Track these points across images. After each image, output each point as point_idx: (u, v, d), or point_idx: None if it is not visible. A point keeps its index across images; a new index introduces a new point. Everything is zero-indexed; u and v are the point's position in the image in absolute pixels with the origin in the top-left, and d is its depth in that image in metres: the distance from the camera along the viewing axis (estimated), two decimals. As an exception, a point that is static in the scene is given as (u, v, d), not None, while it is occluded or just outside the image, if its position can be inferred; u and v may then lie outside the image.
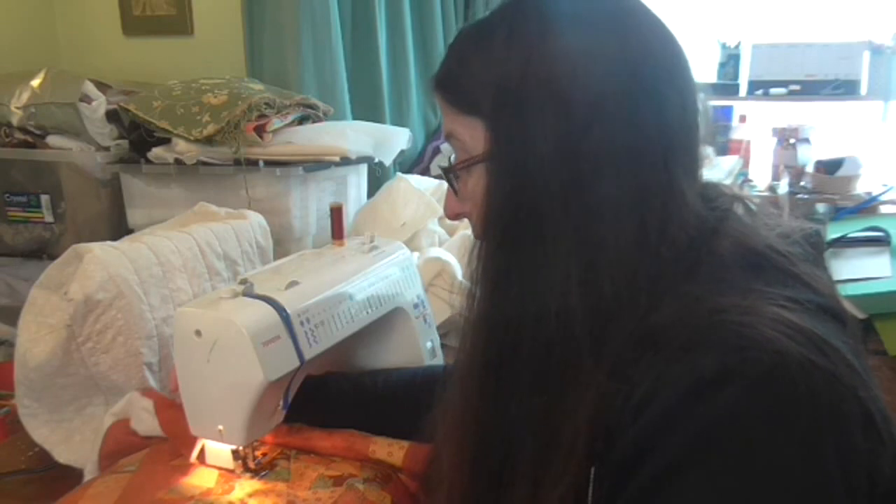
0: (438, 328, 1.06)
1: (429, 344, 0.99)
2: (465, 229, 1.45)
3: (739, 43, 2.29)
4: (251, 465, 0.78)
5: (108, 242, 0.94)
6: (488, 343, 0.57)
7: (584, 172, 0.53)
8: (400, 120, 1.90)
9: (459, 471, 0.59)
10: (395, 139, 1.53)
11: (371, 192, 1.59)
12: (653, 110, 0.54)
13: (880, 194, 1.98)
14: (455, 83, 0.60)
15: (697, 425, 0.44)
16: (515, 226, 0.55)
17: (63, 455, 0.90)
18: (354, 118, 1.72)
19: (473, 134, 0.58)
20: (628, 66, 0.53)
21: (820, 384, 0.44)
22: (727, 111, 2.35)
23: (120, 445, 0.86)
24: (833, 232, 1.75)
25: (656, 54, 0.55)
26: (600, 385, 0.50)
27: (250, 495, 0.74)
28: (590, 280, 0.52)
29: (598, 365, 0.51)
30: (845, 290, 1.48)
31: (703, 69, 2.32)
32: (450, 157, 0.64)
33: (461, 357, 0.62)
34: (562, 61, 0.54)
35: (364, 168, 1.55)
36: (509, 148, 0.55)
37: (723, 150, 2.31)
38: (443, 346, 1.05)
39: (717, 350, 0.45)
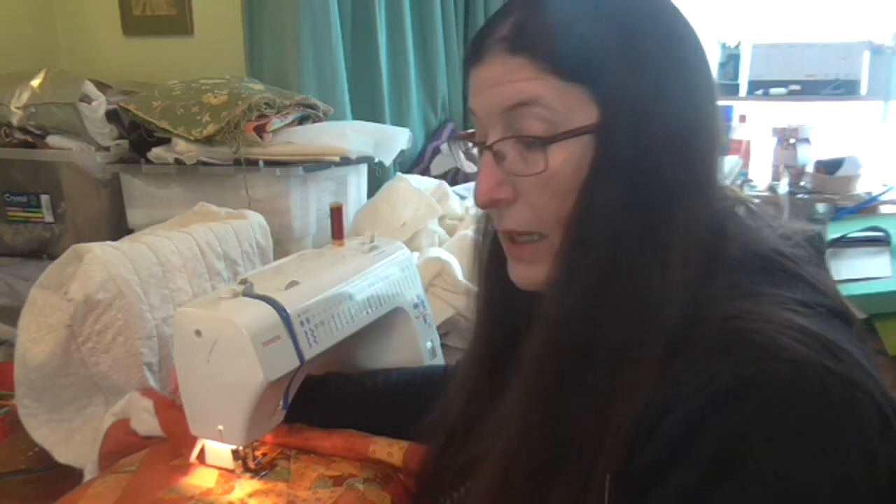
0: (438, 328, 1.06)
1: (429, 344, 0.99)
2: (464, 229, 1.45)
3: (739, 43, 2.29)
4: (251, 465, 0.78)
5: (108, 242, 0.94)
6: (566, 339, 0.53)
7: (691, 151, 0.53)
8: (400, 120, 1.90)
9: (504, 463, 0.55)
10: (395, 139, 1.54)
11: (371, 192, 1.59)
12: (708, 90, 0.55)
13: (880, 194, 1.98)
14: (556, 43, 0.54)
15: (719, 438, 0.44)
16: (625, 210, 0.52)
17: (63, 455, 0.90)
18: (354, 118, 1.72)
19: (570, 102, 0.53)
20: (696, 40, 0.56)
21: (837, 391, 0.44)
22: (727, 111, 2.35)
23: (120, 445, 0.86)
24: (833, 232, 1.74)
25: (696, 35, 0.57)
26: (650, 388, 0.48)
27: (250, 495, 0.74)
28: (672, 275, 0.51)
29: (651, 369, 0.49)
30: (845, 290, 1.48)
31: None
32: (490, 131, 0.57)
33: (532, 351, 0.55)
34: (671, 25, 0.56)
35: (364, 168, 1.55)
36: (630, 117, 0.52)
37: (723, 150, 2.31)
38: (443, 346, 1.05)
39: (732, 360, 0.45)
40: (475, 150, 0.62)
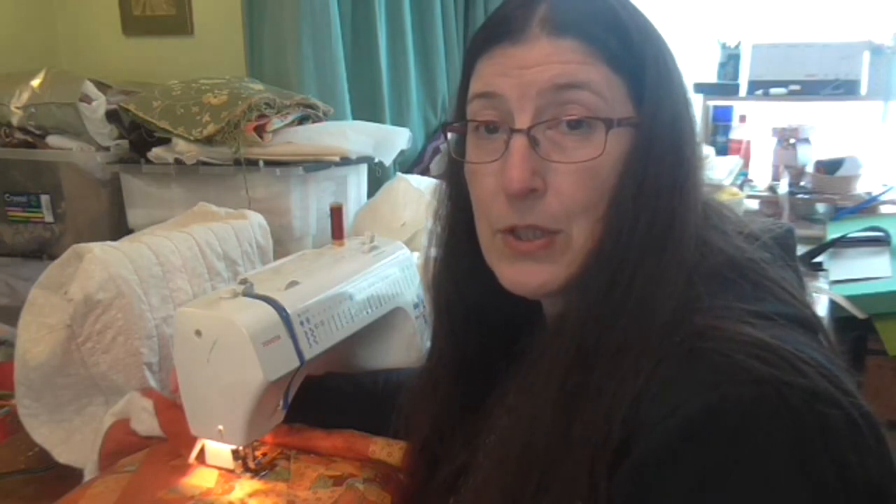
0: (438, 328, 1.06)
1: (429, 344, 0.99)
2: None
3: (739, 43, 2.29)
4: (251, 465, 0.78)
5: (108, 242, 0.94)
6: (592, 338, 0.51)
7: (696, 153, 0.55)
8: (400, 120, 1.90)
9: (509, 462, 0.54)
10: (395, 139, 1.53)
11: (371, 192, 1.59)
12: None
13: (880, 194, 1.98)
14: (607, 31, 0.53)
15: (691, 473, 0.44)
16: (662, 213, 0.52)
17: (63, 455, 0.90)
18: (354, 118, 1.72)
19: (615, 92, 0.53)
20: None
21: (801, 406, 0.43)
22: (727, 111, 2.35)
23: (120, 445, 0.86)
24: (833, 232, 1.75)
25: None
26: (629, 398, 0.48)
27: (250, 495, 0.74)
28: (676, 278, 0.51)
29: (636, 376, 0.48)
30: (845, 290, 1.48)
31: (703, 69, 2.32)
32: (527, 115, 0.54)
33: (556, 351, 0.53)
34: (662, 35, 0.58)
35: (364, 168, 1.55)
36: (666, 116, 0.53)
37: (723, 150, 2.31)
38: (443, 346, 1.04)
39: (695, 387, 0.45)
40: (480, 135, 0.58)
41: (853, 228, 1.73)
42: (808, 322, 0.52)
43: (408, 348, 0.97)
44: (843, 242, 1.69)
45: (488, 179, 0.56)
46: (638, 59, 0.54)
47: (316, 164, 1.32)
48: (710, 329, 0.47)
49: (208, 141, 1.29)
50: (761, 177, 2.24)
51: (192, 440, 0.80)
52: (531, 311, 0.63)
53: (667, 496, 0.44)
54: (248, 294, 0.75)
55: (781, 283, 0.54)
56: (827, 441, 0.43)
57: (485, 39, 0.57)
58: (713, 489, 0.43)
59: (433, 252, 0.68)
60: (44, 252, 1.42)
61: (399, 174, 1.60)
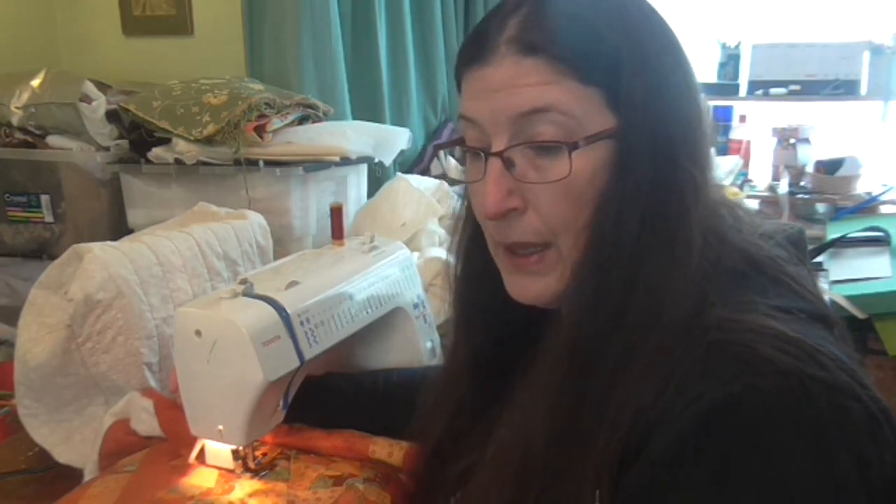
0: (438, 328, 1.06)
1: (429, 344, 0.99)
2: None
3: (739, 43, 2.29)
4: (251, 465, 0.78)
5: (108, 242, 0.94)
6: (592, 345, 0.52)
7: (698, 151, 0.54)
8: (400, 120, 1.90)
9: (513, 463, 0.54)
10: (395, 139, 1.54)
11: (371, 192, 1.59)
12: (699, 90, 0.56)
13: (880, 194, 1.98)
14: (574, 44, 0.52)
15: (710, 459, 0.44)
16: (648, 214, 0.51)
17: (63, 455, 0.90)
18: (354, 118, 1.72)
19: (587, 106, 0.52)
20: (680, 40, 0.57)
21: (822, 399, 0.43)
22: (727, 111, 2.35)
23: (120, 445, 0.86)
24: (833, 232, 1.75)
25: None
26: (645, 397, 0.48)
27: (250, 495, 0.74)
28: (683, 280, 0.50)
29: (650, 376, 0.48)
30: (845, 290, 1.48)
31: (703, 69, 2.32)
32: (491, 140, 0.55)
33: (554, 358, 0.54)
34: (664, 25, 0.56)
35: (364, 168, 1.55)
36: (649, 121, 0.52)
37: (723, 150, 2.31)
38: (443, 346, 1.04)
39: (717, 378, 0.45)
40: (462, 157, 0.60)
41: (853, 228, 1.73)
42: (824, 317, 0.52)
43: (408, 348, 0.97)
44: (843, 242, 1.68)
45: (478, 198, 0.58)
46: (614, 66, 0.52)
47: (316, 164, 1.32)
48: (731, 321, 0.47)
49: (208, 141, 1.29)
50: (761, 177, 2.24)
51: (192, 440, 0.80)
52: (549, 313, 0.63)
53: (688, 486, 0.44)
54: (248, 294, 0.75)
55: (799, 279, 0.54)
56: (847, 434, 0.43)
57: (463, 59, 0.58)
58: (733, 480, 0.43)
59: (452, 258, 0.69)
60: (44, 252, 1.42)
61: (399, 174, 1.60)
